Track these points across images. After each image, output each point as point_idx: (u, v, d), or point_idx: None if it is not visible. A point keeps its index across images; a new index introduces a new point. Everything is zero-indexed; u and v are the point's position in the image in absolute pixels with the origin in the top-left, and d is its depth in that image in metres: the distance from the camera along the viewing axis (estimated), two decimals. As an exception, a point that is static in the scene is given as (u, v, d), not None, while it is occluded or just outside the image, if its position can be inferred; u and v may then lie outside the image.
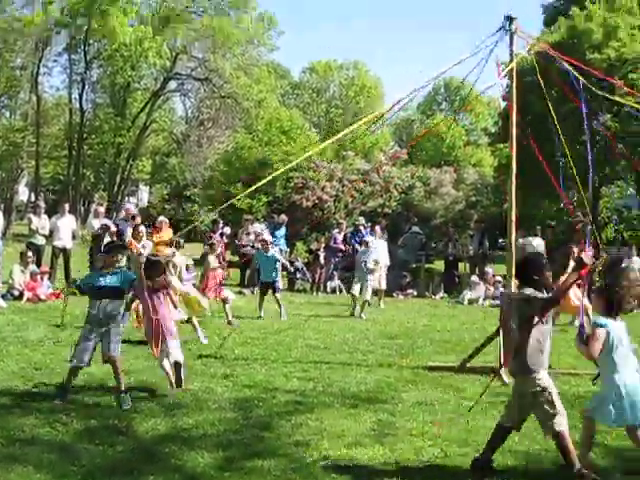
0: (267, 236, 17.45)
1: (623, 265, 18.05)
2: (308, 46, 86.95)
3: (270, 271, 14.33)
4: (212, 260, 13.29)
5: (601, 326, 5.48)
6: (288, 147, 28.82)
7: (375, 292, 16.28)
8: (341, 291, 19.68)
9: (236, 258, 20.84)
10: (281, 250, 19.49)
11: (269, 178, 10.53)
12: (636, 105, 11.78)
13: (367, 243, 15.92)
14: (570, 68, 9.86)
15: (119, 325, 7.25)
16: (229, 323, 12.30)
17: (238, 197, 15.18)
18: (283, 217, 20.55)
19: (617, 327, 5.54)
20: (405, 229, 22.96)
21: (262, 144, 29.52)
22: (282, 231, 20.12)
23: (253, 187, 10.85)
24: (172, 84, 41.02)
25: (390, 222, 24.51)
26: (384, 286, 17.10)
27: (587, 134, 11.12)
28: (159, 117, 44.18)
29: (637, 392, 5.41)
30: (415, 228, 23.12)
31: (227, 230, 19.48)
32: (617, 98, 14.68)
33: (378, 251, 16.42)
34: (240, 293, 17.40)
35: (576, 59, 14.81)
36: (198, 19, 37.45)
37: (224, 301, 12.64)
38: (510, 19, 9.26)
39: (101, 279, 7.27)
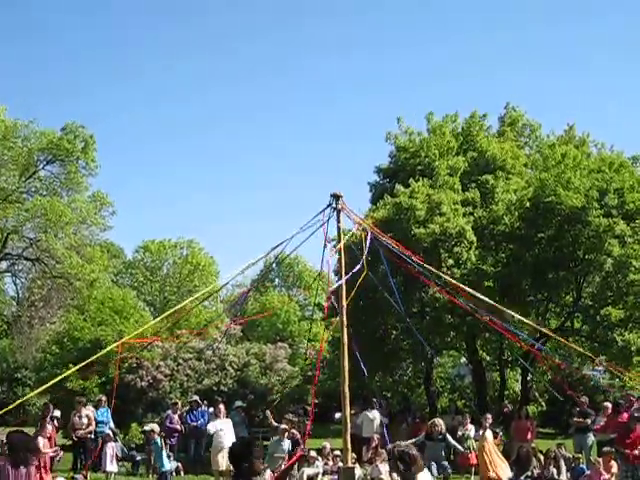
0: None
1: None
2: (142, 225, 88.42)
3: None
4: (42, 444, 13.21)
5: None
6: (121, 326, 29.01)
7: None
8: (178, 473, 19.53)
9: (69, 442, 20.40)
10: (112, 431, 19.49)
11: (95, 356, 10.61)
12: (458, 284, 13.07)
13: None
14: (393, 245, 10.94)
15: None
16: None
17: (61, 377, 15.28)
18: (101, 397, 20.67)
19: None
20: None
21: (95, 324, 29.54)
22: (103, 412, 19.97)
23: (76, 368, 10.96)
24: (2, 264, 40.39)
25: (227, 400, 24.76)
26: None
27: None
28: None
29: None
30: (238, 402, 22.81)
31: (57, 413, 19.20)
32: (441, 274, 15.76)
33: (222, 432, 16.90)
34: (72, 479, 17.05)
35: (400, 236, 16.38)
36: (30, 199, 37.80)
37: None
38: (336, 197, 9.90)
39: None
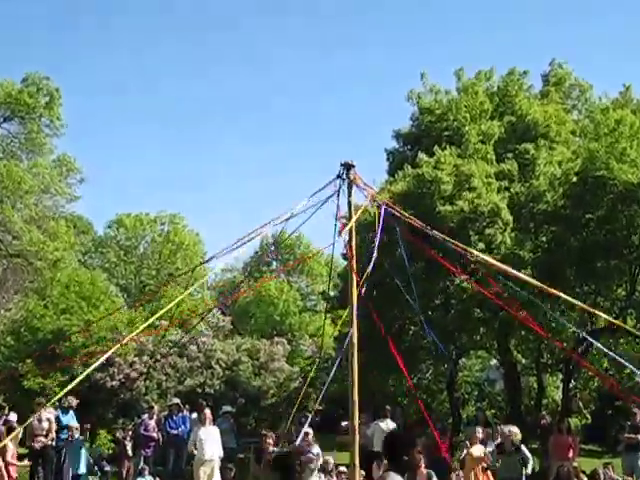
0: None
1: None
2: (115, 196, 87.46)
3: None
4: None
5: None
6: (89, 315, 29.00)
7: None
8: (155, 489, 19.50)
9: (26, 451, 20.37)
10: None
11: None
12: (497, 263, 12.88)
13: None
14: (413, 222, 10.79)
15: None
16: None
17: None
18: (71, 399, 20.19)
19: None
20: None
21: (58, 312, 29.53)
22: (69, 417, 19.77)
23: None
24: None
25: (213, 404, 24.72)
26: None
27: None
28: None
29: None
30: (226, 407, 22.85)
31: (13, 417, 19.14)
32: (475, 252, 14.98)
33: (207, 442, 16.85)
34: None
35: (422, 214, 16.21)
36: (-16, 163, 37.70)
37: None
38: (348, 167, 9.71)
39: None
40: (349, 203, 10.01)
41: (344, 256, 14.09)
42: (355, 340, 9.55)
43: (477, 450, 17.47)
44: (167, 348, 28.68)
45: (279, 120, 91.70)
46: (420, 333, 25.00)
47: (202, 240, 57.69)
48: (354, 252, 10.11)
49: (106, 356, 12.33)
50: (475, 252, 12.92)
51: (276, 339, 32.55)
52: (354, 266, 9.77)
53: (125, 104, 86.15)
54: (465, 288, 23.13)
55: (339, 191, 9.94)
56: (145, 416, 21.75)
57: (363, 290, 9.83)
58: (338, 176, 9.90)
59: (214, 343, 29.91)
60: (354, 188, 10.05)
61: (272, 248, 52.14)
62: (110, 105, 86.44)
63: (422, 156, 25.11)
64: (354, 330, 9.53)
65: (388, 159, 28.86)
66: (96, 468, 21.37)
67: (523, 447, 17.55)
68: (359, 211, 10.61)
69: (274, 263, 61.75)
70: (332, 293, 32.52)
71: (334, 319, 35.67)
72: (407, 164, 25.63)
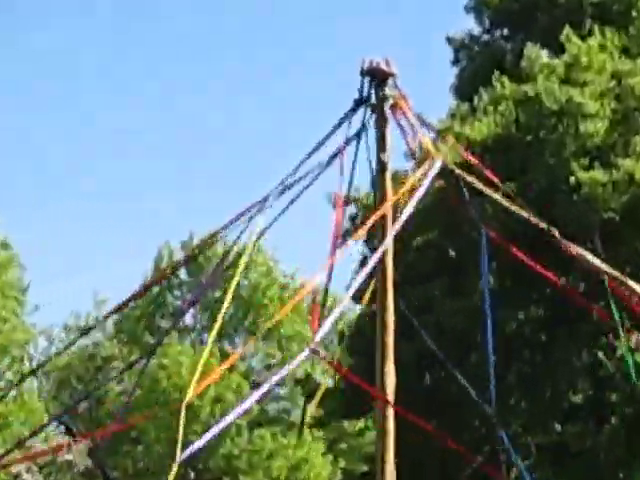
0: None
1: None
2: None
3: None
4: None
5: None
6: None
7: None
8: None
9: None
10: None
11: None
12: None
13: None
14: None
15: None
16: None
17: None
18: None
19: None
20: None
21: None
22: None
23: None
24: None
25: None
26: None
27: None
28: None
29: None
30: None
31: None
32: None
33: None
34: None
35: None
36: None
37: None
38: (379, 76, 5.20)
39: None
40: (381, 141, 5.60)
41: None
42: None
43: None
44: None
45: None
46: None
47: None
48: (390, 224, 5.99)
49: None
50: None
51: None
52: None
53: None
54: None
55: (360, 134, 5.85)
56: None
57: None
58: (360, 98, 5.56)
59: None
60: (390, 124, 5.66)
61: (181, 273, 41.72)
62: None
63: (535, 51, 15.53)
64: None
65: (455, 62, 18.25)
66: None
67: None
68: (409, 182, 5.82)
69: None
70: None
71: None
72: (497, 76, 16.11)
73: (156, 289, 39.81)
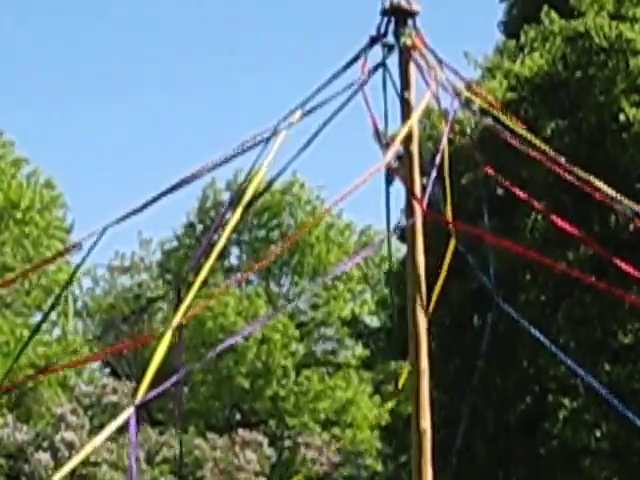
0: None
1: None
2: None
3: None
4: None
5: None
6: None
7: None
8: None
9: None
10: None
11: None
12: None
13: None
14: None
15: None
16: None
17: None
18: None
19: None
20: None
21: None
22: None
23: None
24: None
25: None
26: None
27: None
28: None
29: None
30: None
31: None
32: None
33: None
34: None
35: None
36: None
37: None
38: (398, 16, 5.17)
39: None
40: (401, 88, 5.51)
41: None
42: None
43: None
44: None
45: None
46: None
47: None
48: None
49: None
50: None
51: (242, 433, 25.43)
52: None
53: None
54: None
55: (384, 75, 5.57)
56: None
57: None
58: (376, 38, 5.44)
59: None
60: (412, 68, 5.55)
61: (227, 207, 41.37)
62: None
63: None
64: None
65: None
66: None
67: None
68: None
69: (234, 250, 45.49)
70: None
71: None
72: (546, 12, 16.46)
73: (200, 228, 40.21)
